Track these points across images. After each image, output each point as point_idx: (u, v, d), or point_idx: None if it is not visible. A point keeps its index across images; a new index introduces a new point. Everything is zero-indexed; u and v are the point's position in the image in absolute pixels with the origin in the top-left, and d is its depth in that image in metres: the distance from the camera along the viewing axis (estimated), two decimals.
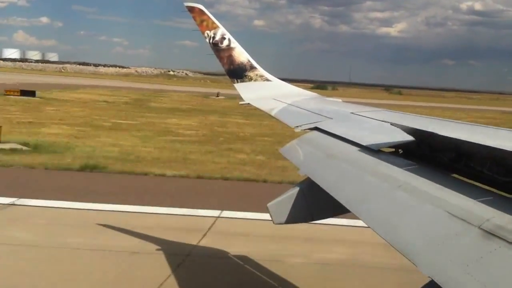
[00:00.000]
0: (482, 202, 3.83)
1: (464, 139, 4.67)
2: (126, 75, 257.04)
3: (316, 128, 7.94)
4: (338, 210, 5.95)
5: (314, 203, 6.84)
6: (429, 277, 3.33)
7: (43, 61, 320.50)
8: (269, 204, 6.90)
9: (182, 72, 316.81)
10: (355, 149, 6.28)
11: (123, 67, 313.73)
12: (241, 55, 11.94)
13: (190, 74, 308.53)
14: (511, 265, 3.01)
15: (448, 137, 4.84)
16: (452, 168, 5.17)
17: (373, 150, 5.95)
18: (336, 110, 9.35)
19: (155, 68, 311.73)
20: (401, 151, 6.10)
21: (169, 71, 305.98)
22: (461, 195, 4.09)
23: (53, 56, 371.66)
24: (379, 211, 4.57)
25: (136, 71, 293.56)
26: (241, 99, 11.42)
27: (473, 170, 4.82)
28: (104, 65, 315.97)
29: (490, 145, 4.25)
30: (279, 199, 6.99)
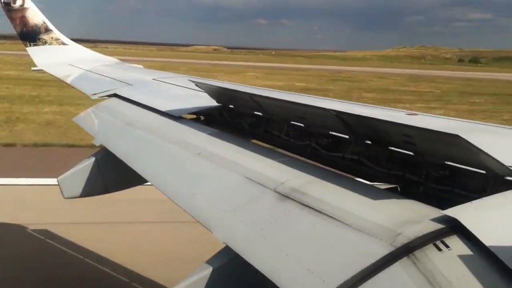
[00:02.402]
0: (278, 165, 3.85)
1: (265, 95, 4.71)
2: None
3: (115, 95, 7.57)
4: (136, 180, 5.72)
5: (110, 174, 6.47)
6: (224, 242, 3.25)
7: None
8: (59, 178, 6.38)
9: None
10: (155, 116, 6.08)
11: None
12: (35, 16, 10.95)
13: None
14: (304, 225, 3.03)
15: (254, 94, 4.81)
16: (252, 134, 5.21)
17: (174, 117, 5.79)
18: (136, 76, 9.01)
19: None
20: (203, 118, 6.03)
21: None
22: (259, 160, 4.08)
23: None
24: (178, 180, 4.43)
25: None
26: (34, 64, 10.51)
27: (272, 135, 4.90)
28: None
29: (291, 100, 4.31)
30: (71, 171, 6.47)
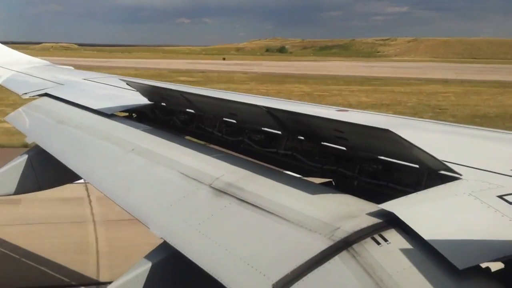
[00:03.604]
0: (213, 161, 3.84)
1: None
2: None
3: (47, 95, 7.47)
4: (70, 177, 5.65)
5: (44, 171, 6.35)
6: (161, 238, 3.20)
7: None
8: None
9: None
10: (87, 114, 6.00)
11: None
12: None
13: None
14: (242, 220, 3.01)
15: (185, 91, 4.80)
16: (185, 131, 5.22)
17: (106, 115, 5.72)
18: (67, 77, 8.95)
19: None
20: (135, 115, 5.99)
21: None
22: (194, 156, 4.06)
23: None
24: (111, 176, 4.36)
25: None
26: None
27: (205, 131, 4.92)
28: None
29: (222, 97, 4.36)
30: (3, 169, 6.37)
